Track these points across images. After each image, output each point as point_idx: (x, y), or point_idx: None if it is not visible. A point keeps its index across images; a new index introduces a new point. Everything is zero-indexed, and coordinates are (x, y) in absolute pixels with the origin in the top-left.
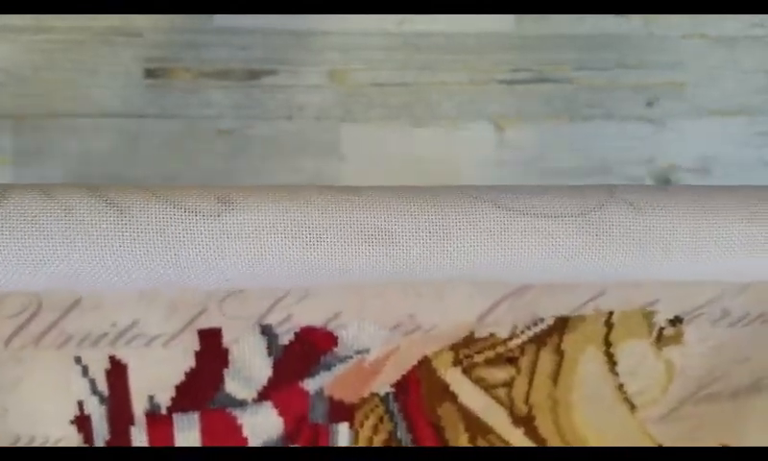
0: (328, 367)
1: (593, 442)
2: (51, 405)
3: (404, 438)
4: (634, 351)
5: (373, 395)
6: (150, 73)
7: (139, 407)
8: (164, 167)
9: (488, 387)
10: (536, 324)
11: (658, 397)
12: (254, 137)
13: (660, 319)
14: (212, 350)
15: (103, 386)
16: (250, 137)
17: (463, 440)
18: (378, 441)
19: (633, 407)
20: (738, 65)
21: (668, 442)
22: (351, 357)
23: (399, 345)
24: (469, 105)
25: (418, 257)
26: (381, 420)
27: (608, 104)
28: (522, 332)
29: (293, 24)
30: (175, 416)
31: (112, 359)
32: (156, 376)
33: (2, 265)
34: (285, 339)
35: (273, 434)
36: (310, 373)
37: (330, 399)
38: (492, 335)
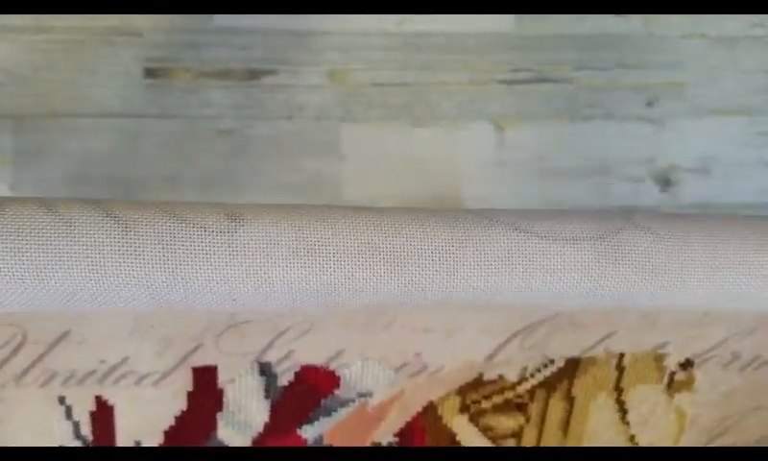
0: (329, 412)
1: None
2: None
3: None
4: (645, 397)
5: (375, 445)
6: (150, 73)
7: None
8: (164, 167)
9: (496, 437)
10: (546, 365)
11: None
12: (254, 137)
13: (672, 362)
14: (206, 390)
15: (87, 430)
16: (250, 137)
17: None
18: None
19: None
20: (738, 65)
21: None
22: (354, 401)
23: (404, 389)
24: (469, 105)
25: (431, 279)
26: None
27: (608, 104)
28: (532, 375)
29: (293, 24)
30: None
31: (98, 400)
32: (145, 420)
33: None
34: (285, 379)
35: None
36: (309, 418)
37: None
38: (500, 378)
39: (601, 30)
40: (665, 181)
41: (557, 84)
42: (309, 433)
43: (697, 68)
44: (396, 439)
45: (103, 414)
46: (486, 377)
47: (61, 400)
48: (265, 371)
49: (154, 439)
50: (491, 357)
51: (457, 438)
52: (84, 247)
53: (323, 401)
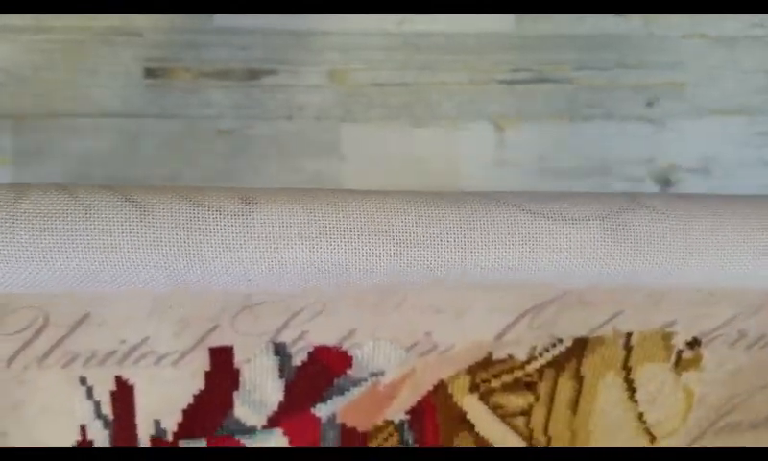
0: (342, 391)
1: None
2: (52, 430)
3: None
4: (653, 376)
5: (387, 423)
6: (150, 73)
7: (144, 433)
8: (164, 167)
9: (505, 415)
10: (554, 345)
11: (677, 426)
12: (254, 137)
13: (679, 341)
14: (223, 370)
15: (107, 409)
16: (250, 137)
17: None
18: None
19: (653, 438)
20: (738, 65)
21: None
22: (366, 380)
23: (415, 367)
24: (470, 105)
25: (440, 259)
26: None
27: (608, 104)
28: (541, 355)
29: (293, 24)
30: (181, 443)
31: (119, 380)
32: (164, 399)
33: (20, 262)
34: (298, 359)
35: None
36: (322, 397)
37: (343, 426)
38: (510, 357)
39: (601, 30)
40: (665, 181)
41: (557, 84)
42: (323, 412)
43: (697, 68)
44: (408, 417)
45: (123, 393)
46: (495, 357)
47: (83, 380)
48: (279, 351)
49: (173, 418)
50: (500, 336)
51: (467, 416)
52: (104, 230)
53: (336, 381)
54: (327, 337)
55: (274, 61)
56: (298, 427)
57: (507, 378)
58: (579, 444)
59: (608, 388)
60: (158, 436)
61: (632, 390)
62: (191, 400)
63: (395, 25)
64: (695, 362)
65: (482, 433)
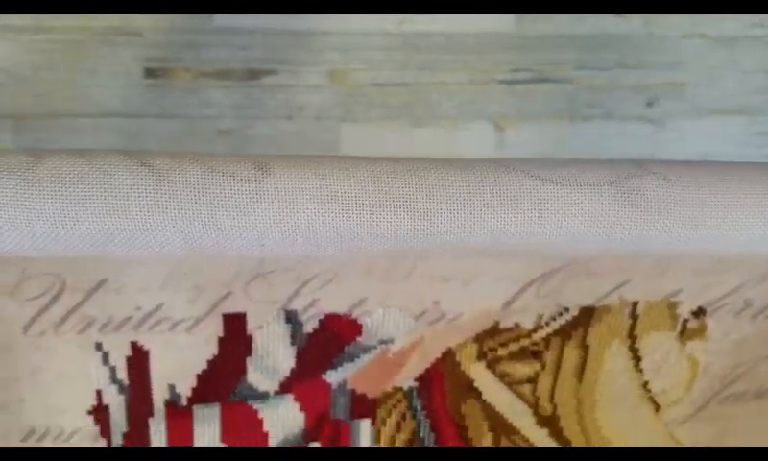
0: (352, 358)
1: (619, 444)
2: (69, 395)
3: (427, 437)
4: (658, 345)
5: (397, 389)
6: (150, 73)
7: (159, 397)
8: None
9: (512, 383)
10: (561, 314)
11: (682, 395)
12: (254, 137)
13: (684, 310)
14: (236, 336)
15: (123, 374)
16: (250, 137)
17: (486, 440)
18: (401, 440)
19: (657, 407)
20: (738, 65)
21: (694, 445)
22: (375, 347)
23: (423, 335)
24: (469, 105)
25: (450, 225)
26: (404, 417)
27: (608, 104)
28: (547, 323)
29: (293, 24)
30: (195, 408)
31: (134, 346)
32: (179, 364)
33: (37, 226)
34: (309, 327)
35: (294, 429)
36: (333, 364)
37: (353, 392)
38: (516, 326)
39: (601, 30)
40: None
41: (557, 85)
42: (333, 378)
43: (697, 68)
44: (416, 384)
45: (138, 359)
46: (502, 325)
47: (98, 346)
48: (291, 318)
49: (187, 382)
50: (507, 305)
51: (474, 384)
52: (121, 193)
53: (346, 348)
54: (338, 305)
55: (274, 61)
56: (309, 393)
57: (514, 347)
58: (584, 412)
59: (613, 357)
60: (173, 401)
61: (637, 359)
62: (205, 366)
63: (395, 25)
64: (700, 332)
65: (489, 400)
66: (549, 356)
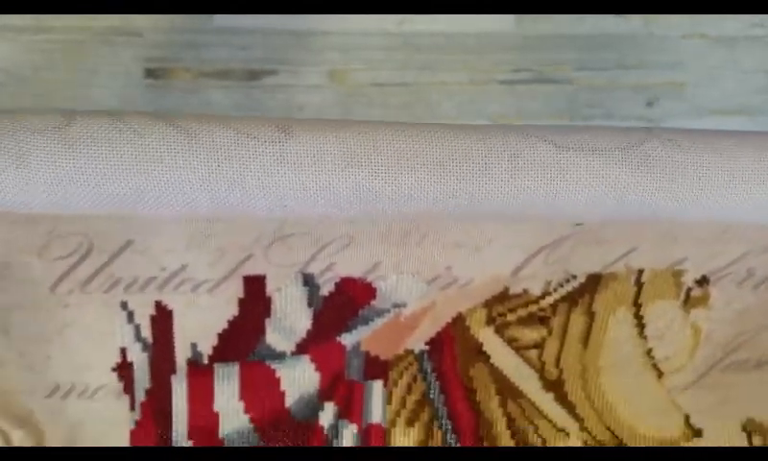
0: (366, 321)
1: (622, 410)
2: (94, 352)
3: (437, 399)
4: (662, 312)
5: (408, 352)
6: (150, 73)
7: (181, 356)
8: None
9: (519, 348)
10: (568, 281)
11: (685, 363)
12: None
13: (689, 278)
14: (256, 297)
15: (147, 333)
16: None
17: (494, 403)
18: (411, 401)
19: (660, 374)
20: (738, 65)
21: (695, 413)
22: (389, 311)
23: (435, 300)
24: (470, 105)
25: (465, 188)
26: (415, 379)
27: (607, 104)
28: (555, 290)
29: (293, 24)
30: (216, 366)
31: (158, 305)
32: (201, 324)
33: (69, 185)
34: (326, 290)
35: (309, 389)
36: (348, 327)
37: (366, 354)
38: (525, 292)
39: (601, 30)
40: None
41: (557, 85)
42: (348, 340)
43: (697, 68)
44: (427, 347)
45: (162, 318)
46: (512, 291)
47: (124, 305)
48: (308, 281)
49: (208, 341)
50: (516, 271)
51: (483, 348)
52: (151, 152)
53: (360, 311)
54: (353, 269)
55: (274, 62)
56: (324, 355)
57: (522, 313)
58: (589, 377)
59: (618, 324)
60: (194, 359)
61: (641, 326)
62: (226, 326)
63: (395, 25)
64: (703, 300)
65: (496, 364)
66: (556, 322)
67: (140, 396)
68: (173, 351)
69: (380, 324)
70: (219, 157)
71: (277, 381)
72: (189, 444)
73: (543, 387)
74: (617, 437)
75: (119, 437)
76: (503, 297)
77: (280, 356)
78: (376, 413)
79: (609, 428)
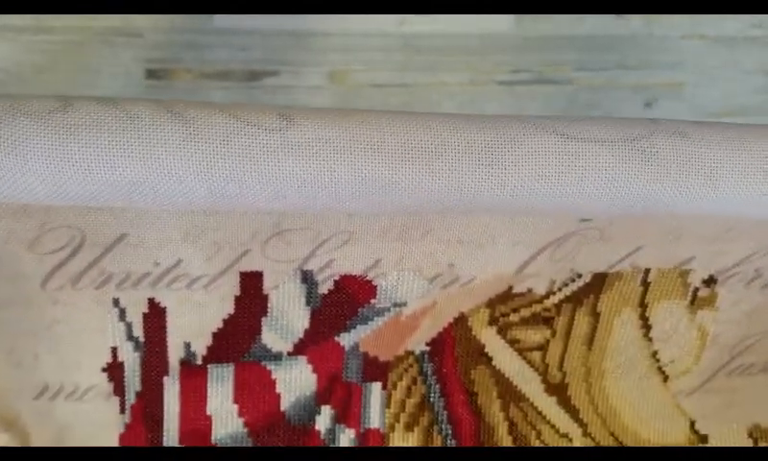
0: (365, 320)
1: (626, 415)
2: (84, 351)
3: (437, 403)
4: (668, 314)
5: (408, 353)
6: (151, 74)
7: (174, 355)
8: None
9: (522, 350)
10: (573, 280)
11: (690, 366)
12: None
13: (696, 278)
14: (253, 295)
15: (139, 331)
16: None
17: (495, 407)
18: (411, 404)
19: (665, 378)
20: (738, 66)
21: (700, 418)
22: (389, 310)
23: (436, 300)
24: (469, 105)
25: (470, 179)
26: (415, 381)
27: (607, 104)
28: (560, 289)
29: (293, 25)
30: (209, 367)
31: (151, 302)
32: (195, 322)
33: (63, 171)
34: (325, 288)
35: (305, 391)
36: (346, 326)
37: (365, 355)
38: (529, 291)
39: (601, 30)
40: None
41: (557, 85)
42: (346, 340)
43: (697, 68)
44: (428, 348)
45: (155, 315)
46: (515, 290)
47: (116, 301)
48: (307, 278)
49: (202, 341)
50: (521, 269)
51: (485, 349)
52: (148, 139)
53: (360, 310)
54: (353, 266)
55: (274, 62)
56: (322, 355)
57: (525, 313)
58: (593, 380)
59: (623, 325)
60: (188, 359)
61: (647, 328)
62: (221, 325)
63: (394, 26)
64: (711, 301)
65: (498, 367)
66: (560, 323)
67: (131, 398)
68: (165, 351)
69: (380, 323)
70: (216, 144)
71: (273, 383)
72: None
73: (546, 390)
74: (621, 443)
75: (108, 441)
76: (506, 296)
77: (277, 357)
78: (375, 417)
79: (612, 434)
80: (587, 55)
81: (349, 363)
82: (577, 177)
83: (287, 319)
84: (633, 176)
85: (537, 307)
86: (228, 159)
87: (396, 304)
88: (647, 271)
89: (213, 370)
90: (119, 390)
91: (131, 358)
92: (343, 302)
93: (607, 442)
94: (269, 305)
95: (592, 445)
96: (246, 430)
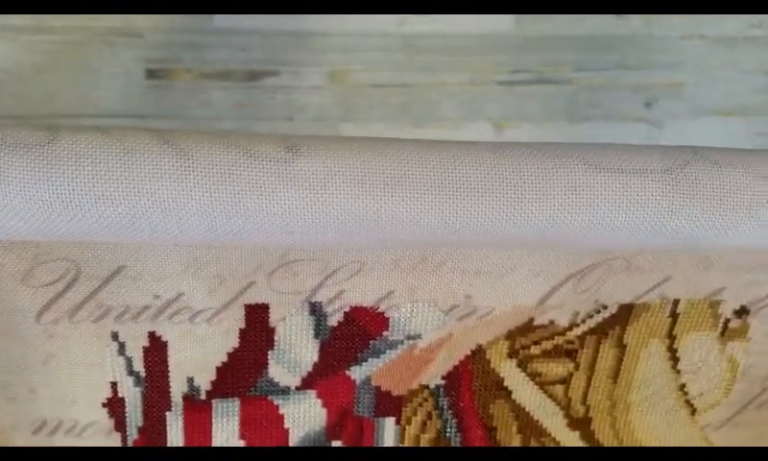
0: (377, 353)
1: None
2: (82, 386)
3: (453, 438)
4: (698, 345)
5: (423, 387)
6: (151, 74)
7: (177, 391)
8: None
9: (544, 383)
10: (598, 311)
11: (720, 399)
12: None
13: (727, 309)
14: (258, 328)
15: (139, 366)
16: None
17: (515, 443)
18: (426, 440)
19: (693, 411)
20: (738, 65)
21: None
22: (402, 343)
23: (453, 332)
24: (470, 105)
25: (490, 210)
26: (430, 416)
27: (607, 104)
28: (584, 321)
29: (293, 25)
30: (214, 402)
31: (152, 336)
32: (198, 356)
33: (52, 207)
34: (334, 320)
35: (315, 426)
36: (357, 359)
37: (377, 389)
38: (551, 323)
39: (601, 30)
40: None
41: (557, 85)
42: (357, 374)
43: (697, 68)
44: (444, 382)
45: (156, 350)
46: (537, 322)
47: (115, 335)
48: (315, 310)
49: (206, 375)
50: (542, 301)
51: (504, 383)
52: (143, 173)
53: (372, 343)
54: (364, 298)
55: (274, 62)
56: (332, 389)
57: (547, 345)
58: (618, 414)
59: (650, 357)
60: (191, 394)
61: (675, 360)
62: (225, 359)
63: (394, 26)
64: (742, 332)
65: (518, 401)
66: (584, 355)
67: (132, 434)
68: (168, 386)
69: (393, 356)
70: (217, 178)
71: (281, 418)
72: None
73: (569, 425)
74: None
75: None
76: (527, 328)
77: (284, 391)
78: None
79: None
80: (586, 55)
81: (361, 397)
82: (612, 209)
83: (295, 352)
84: (666, 209)
85: (559, 340)
86: (229, 194)
87: (409, 337)
88: (676, 302)
89: (218, 404)
90: (120, 426)
91: (131, 393)
92: (353, 334)
93: None
94: (276, 338)
95: None
96: None
